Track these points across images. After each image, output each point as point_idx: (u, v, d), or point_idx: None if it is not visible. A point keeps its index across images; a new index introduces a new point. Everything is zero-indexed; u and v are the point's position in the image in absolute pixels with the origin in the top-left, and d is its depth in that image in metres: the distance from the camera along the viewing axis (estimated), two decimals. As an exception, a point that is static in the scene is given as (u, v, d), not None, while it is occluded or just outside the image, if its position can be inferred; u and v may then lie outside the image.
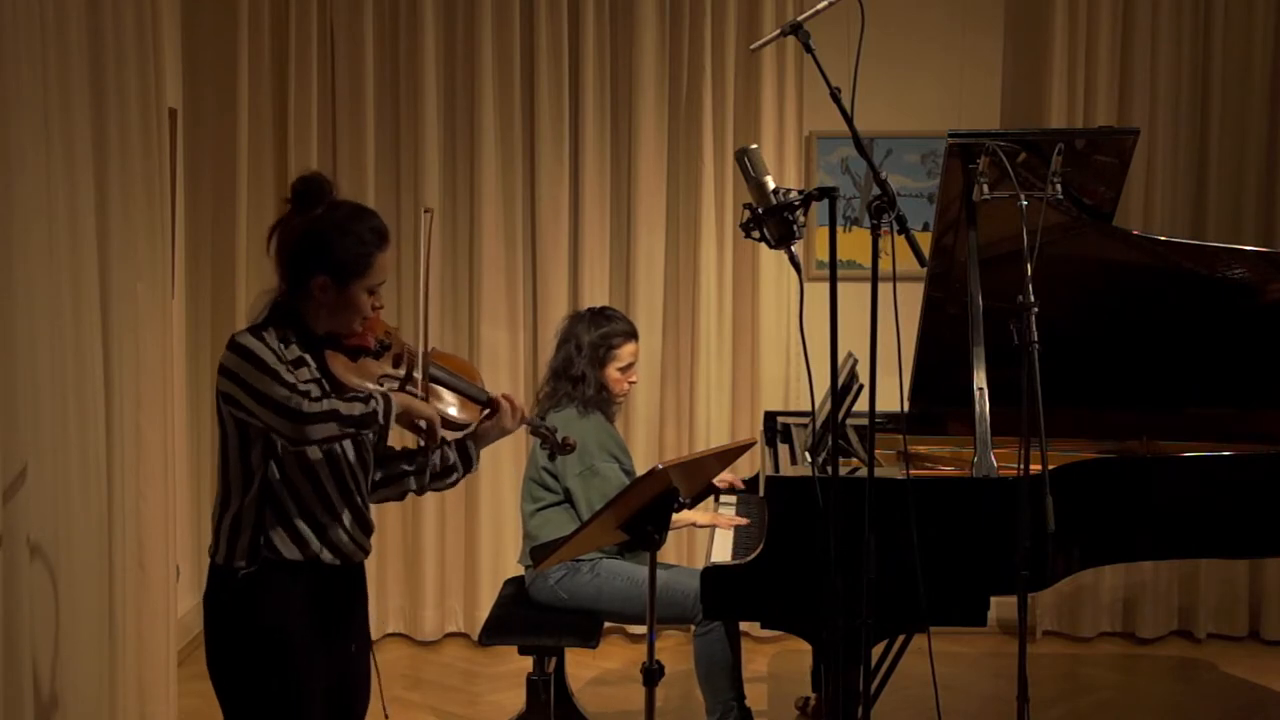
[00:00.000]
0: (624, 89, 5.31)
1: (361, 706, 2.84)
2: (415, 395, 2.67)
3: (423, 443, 2.74)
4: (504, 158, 5.28)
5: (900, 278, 2.75)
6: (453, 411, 2.75)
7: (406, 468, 2.83)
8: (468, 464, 2.85)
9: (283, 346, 2.58)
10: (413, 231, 5.25)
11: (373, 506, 2.79)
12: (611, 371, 4.07)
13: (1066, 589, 5.37)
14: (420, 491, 2.87)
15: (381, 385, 2.64)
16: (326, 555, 2.64)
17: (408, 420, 2.64)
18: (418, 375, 2.68)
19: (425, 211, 2.80)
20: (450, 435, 2.79)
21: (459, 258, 5.32)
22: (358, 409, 2.51)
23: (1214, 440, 4.04)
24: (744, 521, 3.91)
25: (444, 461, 2.84)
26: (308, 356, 2.62)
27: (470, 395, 2.81)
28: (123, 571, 3.88)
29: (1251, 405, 4.15)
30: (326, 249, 2.59)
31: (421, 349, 2.72)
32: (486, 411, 2.83)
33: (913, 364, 4.06)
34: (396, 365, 2.69)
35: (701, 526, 4.08)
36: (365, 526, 2.73)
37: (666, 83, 5.31)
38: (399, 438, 2.83)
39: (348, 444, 2.66)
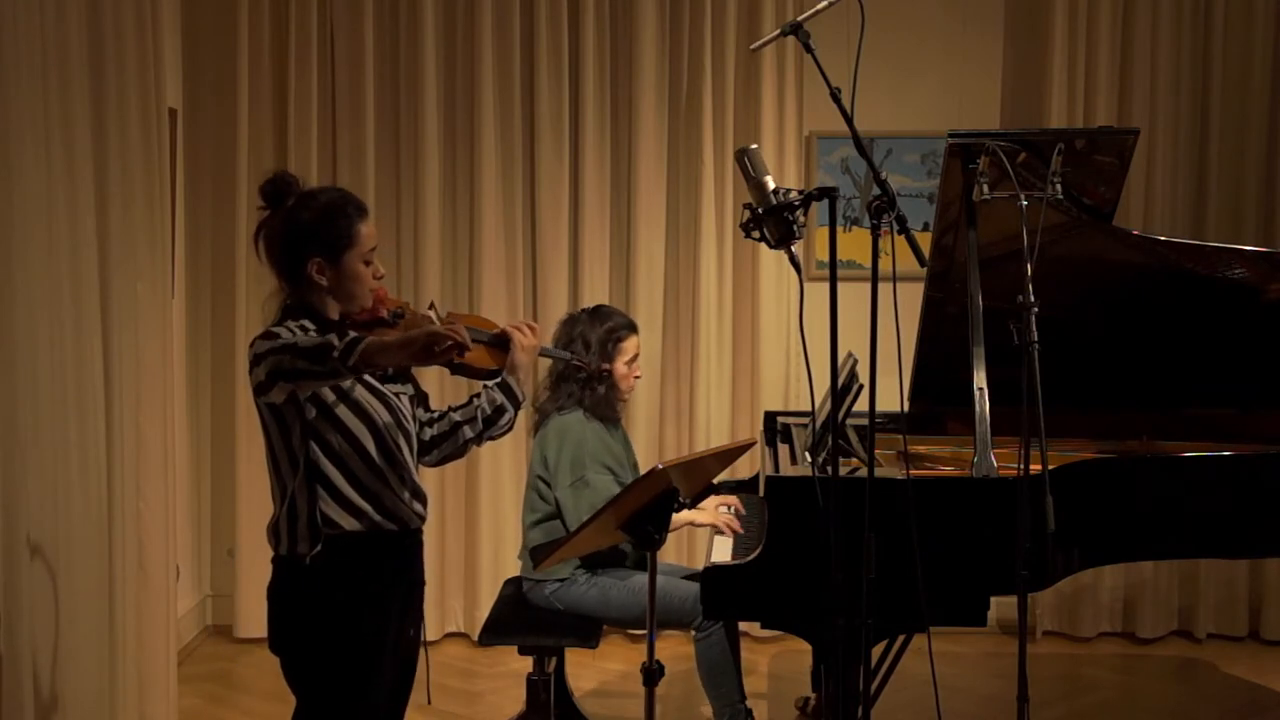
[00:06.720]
0: (624, 89, 5.31)
1: (409, 690, 2.93)
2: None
3: (453, 362, 2.73)
4: (504, 158, 5.28)
5: (900, 278, 2.75)
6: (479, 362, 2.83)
7: (457, 418, 2.88)
8: (514, 400, 2.88)
9: (301, 331, 2.63)
10: (412, 228, 5.27)
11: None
12: (619, 366, 4.08)
13: (1066, 589, 5.37)
14: (479, 441, 2.91)
15: None
16: (383, 521, 2.68)
17: (424, 346, 2.48)
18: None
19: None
20: (489, 381, 2.88)
21: (459, 258, 5.31)
22: (313, 340, 2.50)
23: (1214, 440, 4.03)
24: (741, 530, 3.91)
25: (492, 404, 2.88)
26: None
27: (487, 342, 2.86)
28: (123, 571, 3.88)
29: (1251, 405, 4.14)
30: (310, 232, 2.67)
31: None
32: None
33: (913, 364, 4.06)
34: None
35: (700, 525, 4.08)
36: (416, 491, 2.77)
37: (666, 83, 5.31)
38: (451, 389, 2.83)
39: (380, 408, 2.68)
